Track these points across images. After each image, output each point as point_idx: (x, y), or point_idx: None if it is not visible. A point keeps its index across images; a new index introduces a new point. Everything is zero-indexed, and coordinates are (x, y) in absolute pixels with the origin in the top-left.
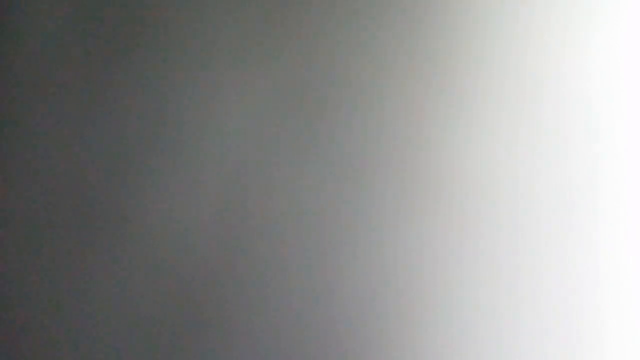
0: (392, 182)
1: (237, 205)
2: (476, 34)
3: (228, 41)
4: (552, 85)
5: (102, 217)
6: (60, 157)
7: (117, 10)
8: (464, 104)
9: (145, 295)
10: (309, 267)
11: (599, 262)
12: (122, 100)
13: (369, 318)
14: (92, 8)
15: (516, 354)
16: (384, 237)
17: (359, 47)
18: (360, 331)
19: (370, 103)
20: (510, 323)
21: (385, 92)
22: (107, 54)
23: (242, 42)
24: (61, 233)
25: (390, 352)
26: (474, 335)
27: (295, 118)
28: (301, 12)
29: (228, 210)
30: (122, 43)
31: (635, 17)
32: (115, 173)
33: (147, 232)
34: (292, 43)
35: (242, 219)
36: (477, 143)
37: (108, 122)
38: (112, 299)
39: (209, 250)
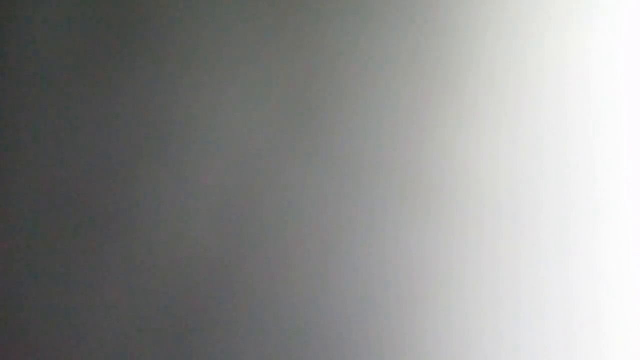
0: (395, 182)
1: (240, 205)
2: (477, 34)
3: (234, 42)
4: (552, 86)
5: (105, 216)
6: (61, 156)
7: (120, 10)
8: (464, 105)
9: (147, 293)
10: (311, 266)
11: (600, 262)
12: (125, 99)
13: (371, 318)
14: (94, 6)
15: (517, 354)
16: (386, 237)
17: (363, 49)
18: (362, 331)
19: (373, 104)
20: (511, 323)
21: (388, 94)
22: (110, 53)
23: (248, 43)
24: (62, 230)
25: (392, 351)
26: (476, 335)
27: (298, 118)
28: (307, 15)
29: (231, 210)
30: (126, 42)
31: (635, 17)
32: (118, 172)
33: (150, 231)
34: (297, 45)
35: (245, 218)
36: (478, 143)
37: (110, 121)
38: (114, 298)
39: (211, 250)
